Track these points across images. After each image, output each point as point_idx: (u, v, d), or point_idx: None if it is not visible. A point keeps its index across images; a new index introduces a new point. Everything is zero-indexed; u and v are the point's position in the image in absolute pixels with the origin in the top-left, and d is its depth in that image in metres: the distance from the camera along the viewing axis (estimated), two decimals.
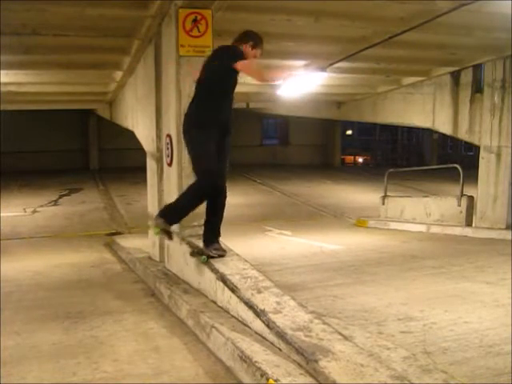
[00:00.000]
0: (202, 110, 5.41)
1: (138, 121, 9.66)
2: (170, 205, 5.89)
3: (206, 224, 5.75)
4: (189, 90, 6.23)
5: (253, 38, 5.49)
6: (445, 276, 6.72)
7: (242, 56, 5.27)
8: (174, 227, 5.98)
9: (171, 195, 6.71)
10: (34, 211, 15.09)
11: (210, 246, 5.65)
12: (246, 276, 5.12)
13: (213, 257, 5.57)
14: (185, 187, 6.21)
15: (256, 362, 3.78)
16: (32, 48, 8.33)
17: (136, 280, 7.33)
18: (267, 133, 31.47)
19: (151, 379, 4.09)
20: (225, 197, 5.69)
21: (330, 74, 10.91)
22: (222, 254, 5.63)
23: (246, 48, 5.42)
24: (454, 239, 9.84)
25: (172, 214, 5.69)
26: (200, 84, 5.46)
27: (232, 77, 5.35)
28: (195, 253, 5.86)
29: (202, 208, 6.18)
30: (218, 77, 5.34)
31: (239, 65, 5.18)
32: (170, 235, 5.73)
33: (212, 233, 5.73)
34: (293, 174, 22.98)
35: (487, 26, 8.08)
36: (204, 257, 5.63)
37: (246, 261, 5.59)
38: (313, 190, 19.04)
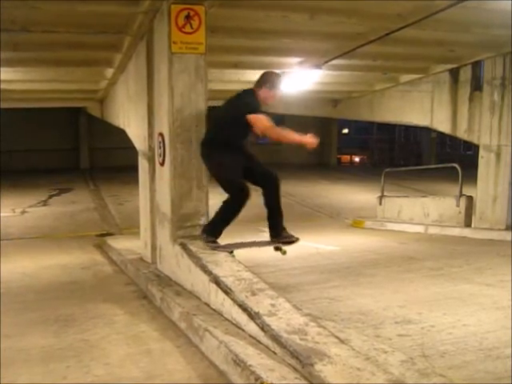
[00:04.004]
0: (222, 137, 5.90)
1: (129, 119, 9.55)
2: (212, 220, 6.18)
3: (270, 221, 6.27)
4: (181, 88, 6.17)
5: (269, 80, 6.00)
6: (443, 278, 6.66)
7: (257, 109, 5.74)
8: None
9: (164, 195, 6.64)
10: (23, 211, 15.01)
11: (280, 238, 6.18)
12: (240, 278, 5.07)
13: (286, 243, 6.15)
14: (177, 187, 6.24)
15: (250, 365, 3.73)
16: (21, 45, 8.22)
17: (127, 282, 7.27)
18: None
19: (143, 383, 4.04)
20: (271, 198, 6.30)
21: (326, 72, 10.89)
22: (293, 239, 6.14)
23: (265, 92, 5.95)
24: (453, 240, 9.77)
25: (212, 228, 6.08)
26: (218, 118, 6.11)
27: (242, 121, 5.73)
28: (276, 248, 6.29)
29: (193, 209, 6.16)
30: (231, 116, 5.88)
31: (252, 117, 5.66)
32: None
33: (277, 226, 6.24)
34: (288, 173, 22.77)
35: (486, 22, 8.00)
36: (284, 249, 6.21)
37: (240, 262, 5.55)
38: (308, 189, 18.99)
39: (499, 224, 10.00)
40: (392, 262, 7.84)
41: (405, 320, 4.97)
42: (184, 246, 5.98)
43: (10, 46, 8.08)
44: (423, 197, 12.57)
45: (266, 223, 6.29)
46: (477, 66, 10.87)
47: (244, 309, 4.49)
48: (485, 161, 10.36)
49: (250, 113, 5.67)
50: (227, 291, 4.83)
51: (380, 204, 12.93)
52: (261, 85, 5.99)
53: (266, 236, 10.63)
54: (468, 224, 10.46)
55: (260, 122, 5.67)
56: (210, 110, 6.36)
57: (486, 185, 10.29)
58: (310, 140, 5.86)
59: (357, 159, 36.13)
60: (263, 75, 6.07)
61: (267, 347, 4.03)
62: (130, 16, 7.09)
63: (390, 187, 14.02)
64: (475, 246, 9.09)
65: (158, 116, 6.91)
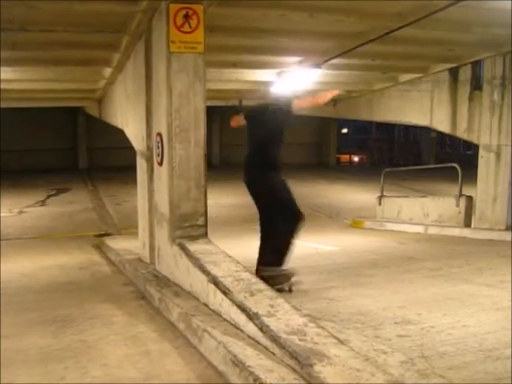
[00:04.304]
0: (272, 154, 6.40)
1: (127, 119, 9.52)
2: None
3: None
4: (180, 87, 6.13)
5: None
6: (443, 278, 6.61)
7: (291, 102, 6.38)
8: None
9: (162, 195, 6.61)
10: (21, 212, 14.98)
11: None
12: (238, 278, 5.05)
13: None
14: (175, 187, 6.19)
15: (249, 366, 3.70)
16: (19, 44, 8.18)
17: (126, 282, 7.23)
18: None
19: None
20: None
21: (325, 71, 10.82)
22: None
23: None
24: (453, 240, 9.72)
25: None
26: (259, 134, 6.33)
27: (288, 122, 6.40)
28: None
29: (192, 209, 6.12)
30: (280, 125, 6.35)
31: (295, 105, 6.32)
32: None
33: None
34: (287, 173, 22.81)
35: (486, 21, 7.96)
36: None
37: (239, 263, 5.52)
38: (307, 189, 18.94)
39: (499, 224, 9.94)
40: (391, 262, 7.79)
41: (404, 321, 4.92)
42: (182, 247, 5.95)
43: (8, 46, 8.03)
44: (423, 197, 12.52)
45: None
46: (476, 65, 10.79)
47: (243, 309, 4.46)
48: (485, 161, 10.30)
49: (291, 104, 6.32)
50: (226, 292, 4.80)
51: (379, 204, 12.89)
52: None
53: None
54: (468, 224, 10.41)
55: (304, 103, 6.76)
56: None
57: (486, 185, 10.23)
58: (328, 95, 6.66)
59: (356, 159, 36.10)
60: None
61: (266, 348, 4.00)
62: (128, 15, 7.06)
63: (389, 187, 13.99)
64: (475, 246, 9.04)
65: (156, 116, 6.88)
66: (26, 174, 21.83)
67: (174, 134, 6.15)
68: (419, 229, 11.00)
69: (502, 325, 4.78)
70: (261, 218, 6.32)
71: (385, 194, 12.97)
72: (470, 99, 10.84)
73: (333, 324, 4.73)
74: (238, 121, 6.62)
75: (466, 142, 14.97)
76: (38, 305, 6.29)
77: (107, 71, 10.99)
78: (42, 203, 16.50)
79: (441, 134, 20.69)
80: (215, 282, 5.01)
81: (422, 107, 12.51)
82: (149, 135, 7.24)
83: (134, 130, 8.57)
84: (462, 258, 7.79)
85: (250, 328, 4.28)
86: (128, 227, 11.52)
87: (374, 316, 5.09)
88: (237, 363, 3.81)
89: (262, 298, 4.61)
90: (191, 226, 6.19)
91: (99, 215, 14.67)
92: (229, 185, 19.11)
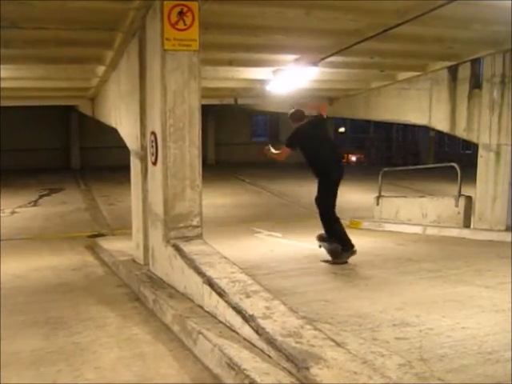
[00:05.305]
0: None
1: (121, 118, 9.45)
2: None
3: None
4: (174, 86, 6.09)
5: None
6: (442, 280, 6.58)
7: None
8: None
9: (156, 195, 6.57)
10: (13, 212, 14.91)
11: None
12: (234, 280, 5.03)
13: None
14: (170, 187, 6.17)
15: (244, 369, 3.70)
16: (11, 42, 8.07)
17: (119, 284, 7.18)
18: (257, 130, 31.22)
19: None
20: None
21: (322, 69, 10.78)
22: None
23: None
24: (452, 241, 9.65)
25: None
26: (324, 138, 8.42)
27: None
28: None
29: (187, 209, 6.09)
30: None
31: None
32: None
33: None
34: (283, 173, 22.79)
35: (486, 18, 7.90)
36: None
37: (234, 264, 5.51)
38: (304, 189, 18.87)
39: (499, 225, 9.86)
40: (389, 263, 7.77)
41: (402, 323, 4.90)
42: (177, 248, 5.93)
43: (0, 43, 7.98)
44: (421, 197, 12.47)
45: None
46: (476, 63, 10.70)
47: (238, 311, 4.45)
48: (484, 160, 10.21)
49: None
50: (221, 293, 4.79)
51: (377, 204, 12.82)
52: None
53: (260, 237, 10.63)
54: (467, 225, 10.33)
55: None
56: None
57: (486, 185, 10.14)
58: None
59: (354, 158, 35.96)
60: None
61: (262, 350, 3.99)
62: (121, 12, 7.01)
63: (387, 187, 13.98)
64: (474, 247, 9.00)
65: (150, 114, 6.83)
66: (18, 173, 21.77)
67: (169, 133, 6.11)
68: (418, 229, 10.92)
69: (502, 327, 4.76)
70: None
71: (383, 193, 12.91)
72: (470, 98, 10.75)
73: (330, 326, 4.71)
74: (286, 152, 8.45)
75: (465, 141, 14.90)
76: (31, 307, 6.26)
77: (100, 69, 10.91)
78: (35, 203, 16.45)
79: (440, 133, 20.68)
80: (210, 283, 4.99)
81: (420, 106, 12.43)
82: (143, 134, 7.18)
83: (127, 129, 8.51)
84: (462, 260, 7.75)
85: (246, 330, 4.26)
86: (121, 228, 11.43)
87: (372, 318, 5.05)
88: (232, 366, 3.81)
89: (258, 300, 4.60)
90: (186, 226, 6.15)
91: (92, 216, 14.61)
92: (225, 184, 19.09)
